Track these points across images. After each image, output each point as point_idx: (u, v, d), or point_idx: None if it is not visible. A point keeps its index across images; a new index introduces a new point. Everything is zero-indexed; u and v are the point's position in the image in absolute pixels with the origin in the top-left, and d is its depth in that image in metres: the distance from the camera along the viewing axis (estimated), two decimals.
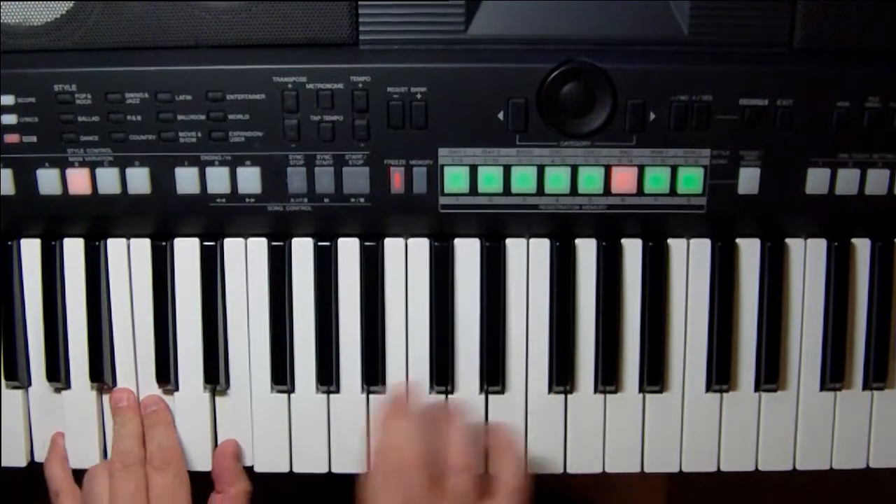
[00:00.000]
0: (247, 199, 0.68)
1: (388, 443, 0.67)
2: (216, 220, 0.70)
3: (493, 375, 0.71)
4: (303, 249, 0.71)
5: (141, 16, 0.66)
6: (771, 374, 0.71)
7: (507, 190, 0.68)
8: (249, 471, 0.73)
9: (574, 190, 0.68)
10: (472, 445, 0.66)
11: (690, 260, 0.71)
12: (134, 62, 0.66)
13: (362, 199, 0.68)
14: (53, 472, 0.72)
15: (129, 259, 0.71)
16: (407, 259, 0.71)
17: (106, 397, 0.73)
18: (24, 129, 0.66)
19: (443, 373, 0.71)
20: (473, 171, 0.67)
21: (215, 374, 0.72)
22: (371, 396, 0.72)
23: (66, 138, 0.67)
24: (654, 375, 0.72)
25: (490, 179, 0.68)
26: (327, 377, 0.72)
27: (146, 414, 0.72)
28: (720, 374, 0.72)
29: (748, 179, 0.67)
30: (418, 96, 0.66)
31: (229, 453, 0.72)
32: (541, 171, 0.68)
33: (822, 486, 0.97)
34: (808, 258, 0.72)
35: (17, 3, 0.66)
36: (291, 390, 0.72)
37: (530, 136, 0.67)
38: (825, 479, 0.76)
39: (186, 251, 0.71)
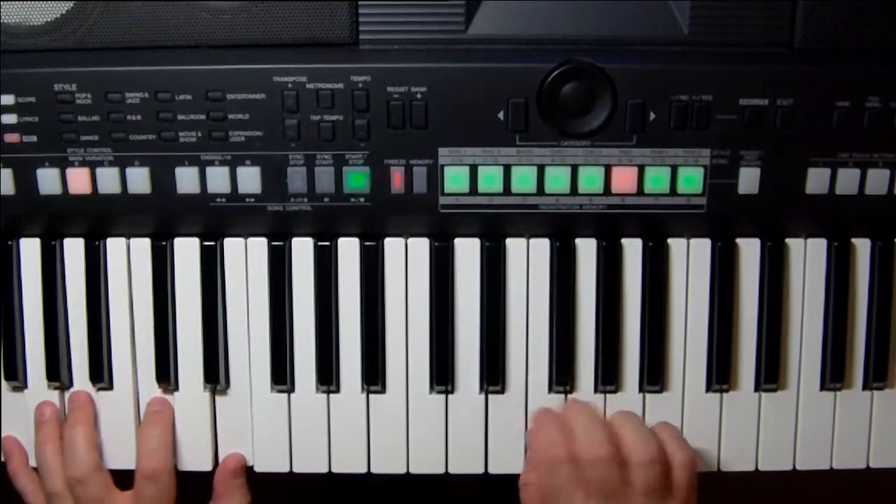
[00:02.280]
0: (247, 199, 0.68)
1: (580, 438, 0.65)
2: (216, 220, 0.70)
3: (494, 375, 0.71)
4: (303, 249, 0.71)
5: (141, 16, 0.66)
6: (771, 373, 0.71)
7: (507, 190, 0.68)
8: (250, 471, 0.73)
9: (574, 190, 0.68)
10: (647, 430, 0.67)
11: (690, 260, 0.71)
12: (134, 62, 0.66)
13: (362, 199, 0.68)
14: (22, 483, 0.72)
15: (128, 259, 0.71)
16: (407, 259, 0.71)
17: (106, 398, 0.72)
18: (24, 128, 0.66)
19: (443, 373, 0.71)
20: (473, 170, 0.67)
21: (215, 374, 0.72)
22: (371, 396, 0.72)
23: (66, 138, 0.67)
24: (654, 375, 0.72)
25: (490, 179, 0.68)
26: (327, 377, 0.72)
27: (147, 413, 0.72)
28: (720, 374, 0.72)
29: (748, 179, 0.67)
30: (418, 96, 0.66)
31: (229, 467, 0.72)
32: (541, 170, 0.67)
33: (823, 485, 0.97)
34: (808, 258, 0.72)
35: (17, 3, 0.66)
36: (291, 390, 0.72)
37: (530, 136, 0.67)
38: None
39: (186, 251, 0.71)
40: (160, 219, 0.70)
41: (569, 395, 0.72)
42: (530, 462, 0.69)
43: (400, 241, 0.71)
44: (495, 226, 0.70)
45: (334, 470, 0.73)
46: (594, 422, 0.66)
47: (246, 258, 0.71)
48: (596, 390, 0.72)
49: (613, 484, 0.64)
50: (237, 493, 0.72)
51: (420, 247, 0.71)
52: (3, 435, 0.73)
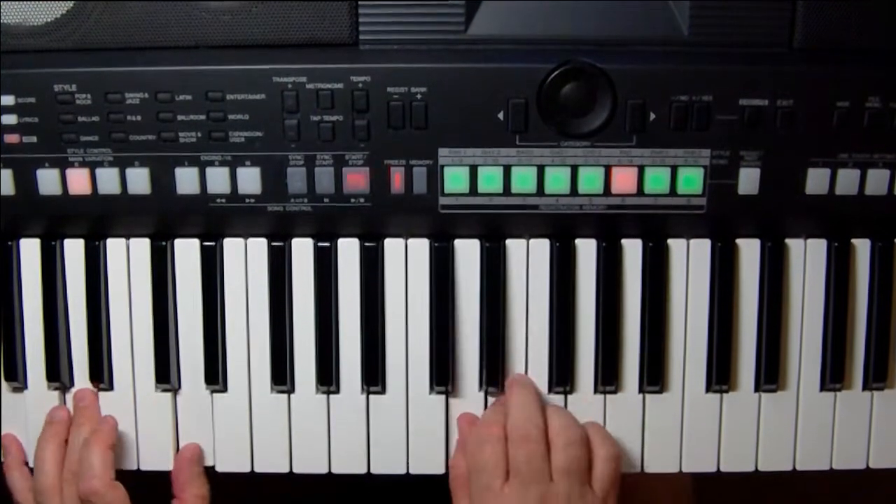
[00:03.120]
0: (247, 200, 0.68)
1: (512, 416, 0.67)
2: (216, 221, 0.70)
3: (493, 376, 0.71)
4: (303, 250, 0.71)
5: (141, 16, 0.66)
6: (771, 374, 0.71)
7: (507, 190, 0.68)
8: (250, 472, 0.73)
9: (574, 190, 0.68)
10: (574, 419, 0.68)
11: (690, 260, 0.71)
12: (134, 62, 0.66)
13: (362, 200, 0.68)
14: (14, 479, 0.72)
15: (128, 259, 0.71)
16: (407, 259, 0.71)
17: (106, 398, 0.72)
18: (24, 129, 0.66)
19: (443, 373, 0.71)
20: (473, 171, 0.67)
21: (215, 375, 0.72)
22: (371, 397, 0.72)
23: (66, 138, 0.67)
24: (654, 375, 0.72)
25: (490, 180, 0.68)
26: (327, 377, 0.71)
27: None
28: (720, 375, 0.72)
29: (748, 179, 0.67)
30: (418, 96, 0.66)
31: (186, 457, 0.71)
32: (541, 171, 0.67)
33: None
34: (808, 258, 0.72)
35: (17, 3, 0.66)
36: (291, 390, 0.72)
37: (530, 137, 0.67)
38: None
39: (186, 251, 0.71)
40: (160, 219, 0.70)
41: (569, 396, 0.72)
42: (459, 444, 0.71)
43: (400, 241, 0.71)
44: (495, 226, 0.70)
45: (334, 470, 0.73)
46: (530, 404, 0.68)
47: (246, 259, 0.71)
48: (596, 391, 0.72)
49: (536, 464, 0.65)
50: (195, 482, 0.71)
51: (420, 247, 0.71)
52: (2, 432, 0.73)
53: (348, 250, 0.71)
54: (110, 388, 0.72)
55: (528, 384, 0.70)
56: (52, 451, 0.70)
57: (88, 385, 0.72)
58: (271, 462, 0.73)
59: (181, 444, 0.72)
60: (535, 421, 0.67)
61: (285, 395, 0.72)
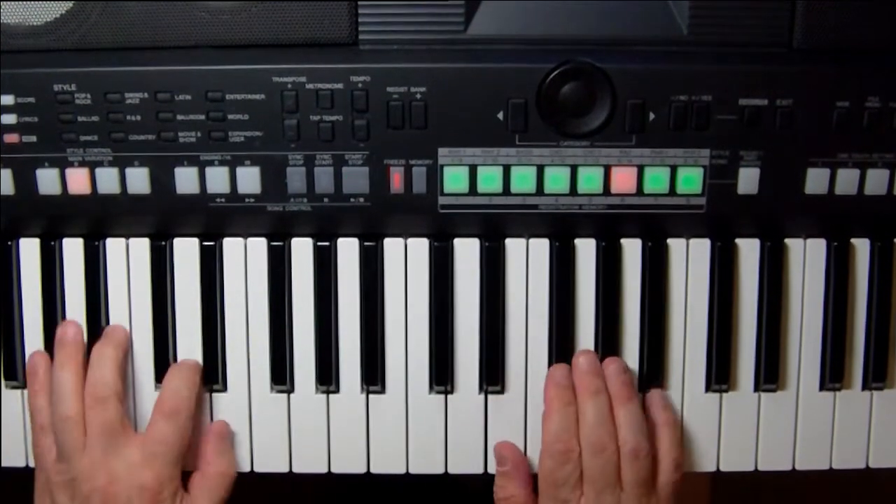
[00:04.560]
0: (246, 199, 0.68)
1: (592, 422, 0.67)
2: (216, 220, 0.70)
3: (493, 375, 0.71)
4: (302, 249, 0.71)
5: (141, 16, 0.66)
6: (770, 373, 0.72)
7: (506, 190, 0.68)
8: (251, 472, 0.73)
9: (574, 190, 0.68)
10: (643, 426, 0.68)
11: (690, 260, 0.71)
12: (134, 62, 0.66)
13: (362, 199, 0.68)
14: (39, 404, 0.69)
15: (128, 259, 0.71)
16: (406, 259, 0.71)
17: None
18: (23, 129, 0.66)
19: (442, 373, 0.71)
20: (473, 171, 0.67)
21: (215, 374, 0.72)
22: (371, 396, 0.72)
23: (65, 138, 0.67)
24: (654, 375, 0.72)
25: (490, 179, 0.68)
26: (327, 377, 0.72)
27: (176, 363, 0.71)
28: (720, 374, 0.72)
29: (748, 179, 0.67)
30: (418, 96, 0.66)
31: (214, 432, 0.71)
32: (540, 171, 0.68)
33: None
34: (807, 258, 0.72)
35: (17, 3, 0.66)
36: (291, 390, 0.72)
37: (530, 136, 0.67)
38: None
39: (186, 251, 0.71)
40: (160, 219, 0.70)
41: None
42: (508, 474, 0.70)
43: (399, 241, 0.71)
44: (495, 226, 0.70)
45: (334, 470, 0.73)
46: (603, 410, 0.67)
47: (245, 258, 0.71)
48: None
49: (609, 474, 0.65)
50: (221, 458, 0.70)
51: (420, 247, 0.71)
52: (27, 361, 0.71)
53: (348, 250, 0.71)
54: None
55: (600, 389, 0.68)
56: (71, 376, 0.68)
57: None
58: (271, 462, 0.73)
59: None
60: (608, 428, 0.67)
61: (285, 395, 0.72)
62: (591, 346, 0.72)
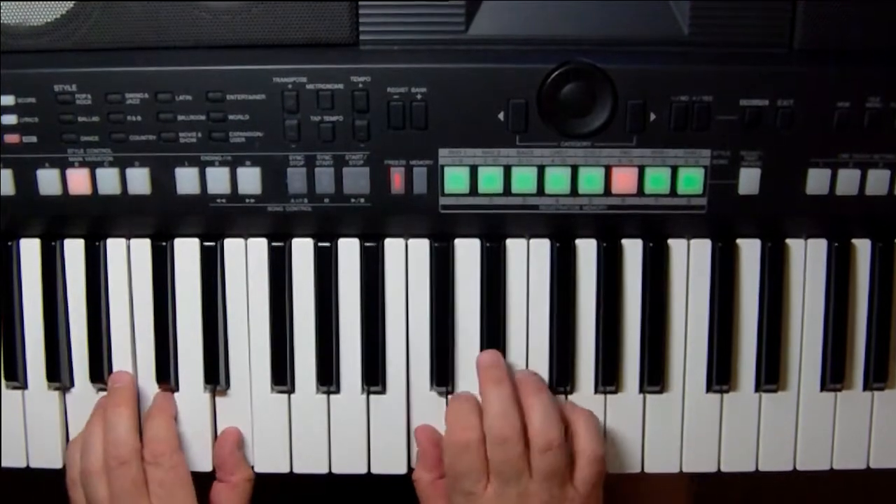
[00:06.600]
0: (247, 200, 0.68)
1: (494, 414, 0.67)
2: (216, 221, 0.70)
3: None
4: (303, 250, 0.71)
5: (141, 16, 0.66)
6: (771, 374, 0.71)
7: (507, 190, 0.68)
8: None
9: (574, 190, 0.68)
10: (554, 417, 0.67)
11: (691, 260, 0.71)
12: (134, 62, 0.66)
13: (362, 200, 0.68)
14: (74, 458, 0.70)
15: (129, 259, 0.71)
16: (407, 259, 0.71)
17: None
18: (24, 129, 0.66)
19: (443, 373, 0.71)
20: (473, 171, 0.67)
21: (215, 375, 0.72)
22: (371, 397, 0.72)
23: (66, 138, 0.67)
24: (655, 376, 0.72)
25: (490, 180, 0.68)
26: (327, 377, 0.72)
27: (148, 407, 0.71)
28: (720, 375, 0.72)
29: (748, 180, 0.67)
30: (418, 96, 0.66)
31: (230, 441, 0.72)
32: (541, 171, 0.67)
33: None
34: (808, 259, 0.72)
35: (17, 3, 0.66)
36: (291, 390, 0.72)
37: (530, 137, 0.67)
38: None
39: (186, 251, 0.71)
40: (160, 219, 0.70)
41: (569, 396, 0.72)
42: (421, 458, 0.71)
43: (400, 241, 0.71)
44: (495, 226, 0.70)
45: (334, 470, 0.73)
46: (506, 401, 0.67)
47: (246, 259, 0.71)
48: (596, 391, 0.72)
49: (515, 465, 0.65)
50: (242, 467, 0.71)
51: (420, 247, 0.71)
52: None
53: (348, 250, 0.71)
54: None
55: (503, 379, 0.69)
56: (127, 421, 0.68)
57: (89, 385, 0.72)
58: (271, 462, 0.73)
59: (181, 444, 0.72)
60: (511, 420, 0.66)
61: (285, 395, 0.72)
62: (592, 346, 0.72)
